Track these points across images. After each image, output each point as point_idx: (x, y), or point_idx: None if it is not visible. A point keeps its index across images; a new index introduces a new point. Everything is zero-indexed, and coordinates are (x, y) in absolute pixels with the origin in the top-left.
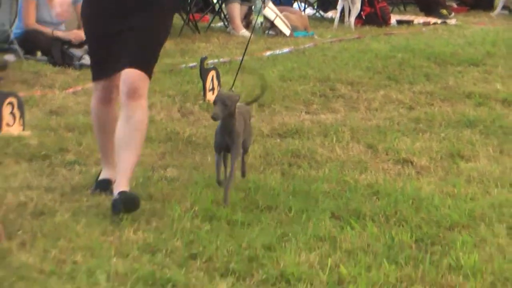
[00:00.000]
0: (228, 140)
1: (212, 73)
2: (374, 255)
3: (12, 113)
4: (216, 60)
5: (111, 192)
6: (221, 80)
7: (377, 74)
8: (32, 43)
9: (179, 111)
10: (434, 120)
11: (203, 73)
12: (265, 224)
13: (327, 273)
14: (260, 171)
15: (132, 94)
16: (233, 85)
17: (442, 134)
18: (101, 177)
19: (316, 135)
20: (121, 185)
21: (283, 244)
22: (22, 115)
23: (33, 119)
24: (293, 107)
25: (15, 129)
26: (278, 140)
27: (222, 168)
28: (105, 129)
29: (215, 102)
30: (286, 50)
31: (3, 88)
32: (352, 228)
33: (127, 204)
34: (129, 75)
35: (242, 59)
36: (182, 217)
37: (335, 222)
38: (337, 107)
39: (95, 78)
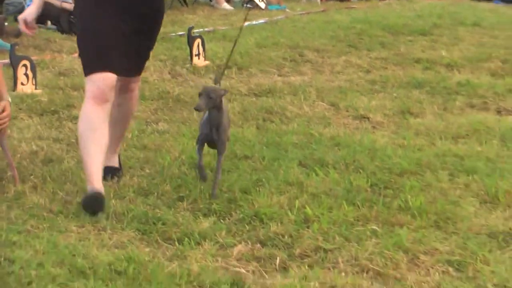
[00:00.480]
0: (215, 133)
1: (198, 40)
2: (335, 198)
3: (26, 74)
4: (201, 29)
5: (99, 203)
6: (206, 47)
7: (339, 42)
8: (43, 14)
9: (169, 73)
10: (387, 81)
11: (190, 40)
12: (242, 171)
13: (294, 213)
14: (238, 125)
15: (126, 90)
16: (226, 65)
17: (394, 94)
18: (85, 194)
19: (286, 94)
20: (108, 156)
21: (258, 188)
22: (34, 76)
23: (44, 79)
24: (267, 70)
25: (28, 88)
26: (254, 99)
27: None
28: (94, 136)
29: (200, 94)
30: (261, 21)
31: (18, 52)
32: (317, 174)
33: (108, 174)
34: (126, 80)
35: (236, 42)
36: (171, 164)
37: (302, 169)
38: (305, 70)
39: (93, 68)
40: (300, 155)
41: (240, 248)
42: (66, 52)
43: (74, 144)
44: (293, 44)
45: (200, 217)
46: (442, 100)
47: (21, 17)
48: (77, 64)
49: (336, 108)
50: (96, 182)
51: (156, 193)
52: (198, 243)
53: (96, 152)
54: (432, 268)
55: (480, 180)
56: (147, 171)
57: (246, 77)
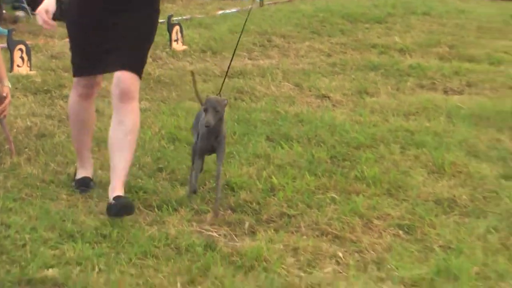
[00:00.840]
0: (214, 143)
1: (177, 27)
2: (299, 169)
3: (21, 57)
4: (180, 17)
5: (91, 187)
6: (184, 33)
7: (303, 29)
8: (38, 2)
9: (150, 57)
10: (346, 64)
11: (170, 27)
12: None
13: (262, 182)
14: None
15: (125, 97)
16: (222, 86)
17: (353, 76)
18: (78, 176)
19: (256, 75)
20: (116, 189)
21: (229, 160)
22: (29, 59)
23: (38, 62)
24: (238, 54)
25: (24, 70)
26: (227, 80)
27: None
28: (84, 125)
29: (206, 109)
30: (234, 10)
31: (14, 37)
32: (282, 147)
33: (122, 210)
34: (122, 78)
35: (234, 52)
36: (152, 139)
37: (269, 143)
38: (273, 54)
39: (79, 74)
40: (268, 130)
41: (213, 214)
42: (58, 38)
43: (65, 120)
44: (262, 31)
45: (178, 186)
46: (395, 81)
47: (42, 8)
48: (68, 48)
49: (300, 88)
50: (88, 168)
51: (138, 165)
52: (175, 210)
53: (87, 141)
54: (385, 231)
55: (428, 153)
56: None
57: (219, 60)
